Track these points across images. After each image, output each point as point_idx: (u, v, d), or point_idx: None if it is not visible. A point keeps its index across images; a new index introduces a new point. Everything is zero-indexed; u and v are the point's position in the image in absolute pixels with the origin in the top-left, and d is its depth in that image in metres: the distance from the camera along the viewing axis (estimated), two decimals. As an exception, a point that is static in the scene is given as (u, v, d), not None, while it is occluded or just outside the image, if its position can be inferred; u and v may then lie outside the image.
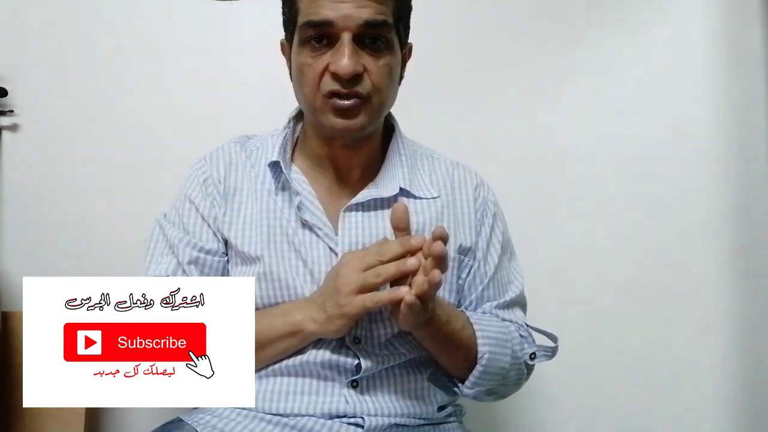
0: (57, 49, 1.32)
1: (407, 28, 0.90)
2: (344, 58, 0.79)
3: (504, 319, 0.91)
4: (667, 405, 1.32)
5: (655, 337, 1.33)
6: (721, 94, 1.35)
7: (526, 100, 1.36)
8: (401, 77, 0.91)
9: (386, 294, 0.75)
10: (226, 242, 0.88)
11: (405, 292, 0.73)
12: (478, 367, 0.84)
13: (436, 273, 0.71)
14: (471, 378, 0.85)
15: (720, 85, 1.35)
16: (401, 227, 0.77)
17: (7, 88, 1.28)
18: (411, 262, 0.74)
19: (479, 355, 0.84)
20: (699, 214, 1.34)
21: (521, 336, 0.90)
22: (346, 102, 0.81)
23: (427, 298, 0.74)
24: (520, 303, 0.96)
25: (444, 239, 0.72)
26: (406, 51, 0.91)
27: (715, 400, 1.32)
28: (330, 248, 0.85)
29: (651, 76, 1.35)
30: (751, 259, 1.34)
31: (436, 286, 0.72)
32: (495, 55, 1.36)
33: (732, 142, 1.35)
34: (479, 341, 0.84)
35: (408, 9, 0.89)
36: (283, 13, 0.88)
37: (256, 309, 0.81)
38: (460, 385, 0.87)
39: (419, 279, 0.74)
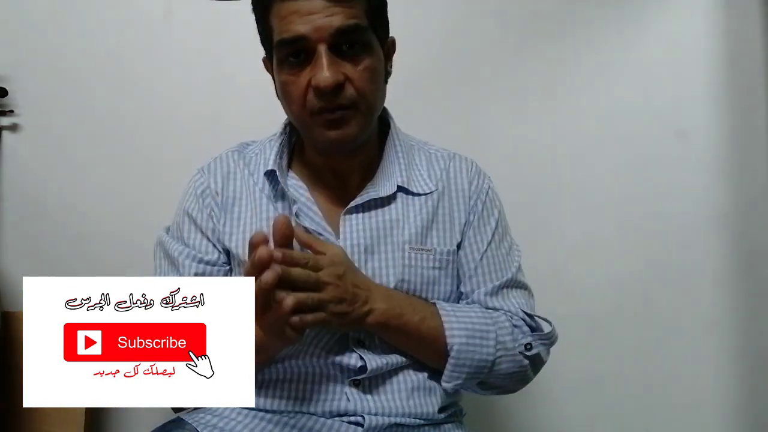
0: (57, 49, 1.32)
1: (385, 23, 0.88)
2: (323, 71, 0.78)
3: (495, 308, 0.89)
4: (667, 405, 1.32)
5: (655, 336, 1.33)
6: (721, 94, 1.35)
7: (525, 99, 1.36)
8: (388, 74, 0.90)
9: (272, 313, 0.71)
10: (228, 252, 0.88)
11: (288, 302, 0.69)
12: (450, 360, 0.83)
13: (262, 276, 0.68)
14: (446, 372, 0.84)
15: (720, 85, 1.35)
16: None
17: (7, 88, 1.28)
18: (264, 278, 0.68)
19: (449, 347, 0.83)
20: (699, 214, 1.34)
21: (514, 326, 0.87)
22: (335, 114, 0.81)
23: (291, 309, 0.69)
24: (516, 287, 0.92)
25: (261, 243, 0.69)
26: (389, 46, 0.90)
27: (715, 400, 1.32)
28: None
29: (651, 76, 1.35)
30: (751, 259, 1.34)
31: (262, 290, 0.69)
32: (494, 54, 1.36)
33: (732, 142, 1.34)
34: (446, 332, 0.83)
35: (382, 4, 0.87)
36: (259, 33, 0.88)
37: None
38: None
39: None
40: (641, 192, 1.34)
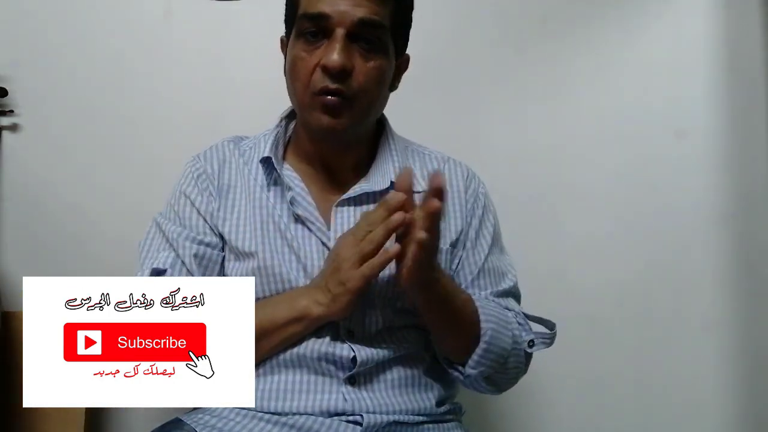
0: (57, 49, 1.31)
1: (405, 39, 0.90)
2: (334, 53, 0.80)
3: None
4: (667, 405, 1.32)
5: (655, 336, 1.33)
6: (721, 94, 1.35)
7: (525, 99, 1.36)
8: (394, 87, 0.91)
9: (378, 257, 0.76)
10: (222, 237, 0.89)
11: (395, 249, 0.74)
12: (482, 345, 0.83)
13: (394, 216, 0.73)
14: (474, 357, 0.84)
15: (720, 85, 1.35)
16: (403, 189, 0.76)
17: (7, 88, 1.28)
18: (395, 217, 0.74)
19: (482, 332, 0.83)
20: (699, 214, 1.34)
21: (519, 323, 0.90)
22: (333, 99, 0.82)
23: (428, 246, 0.74)
24: (514, 294, 0.95)
25: (440, 187, 0.73)
26: (402, 61, 0.91)
27: (715, 400, 1.32)
28: (323, 242, 0.86)
29: (651, 76, 1.35)
30: (751, 259, 1.34)
31: (388, 230, 0.74)
32: (495, 55, 1.36)
33: (732, 142, 1.35)
34: (481, 317, 0.84)
35: (407, 20, 0.89)
36: (286, 9, 0.90)
37: None
38: (460, 368, 0.86)
39: (417, 235, 0.74)
40: (641, 192, 1.34)
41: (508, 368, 0.88)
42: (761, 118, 1.34)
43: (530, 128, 1.35)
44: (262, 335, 0.79)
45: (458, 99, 1.35)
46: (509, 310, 0.91)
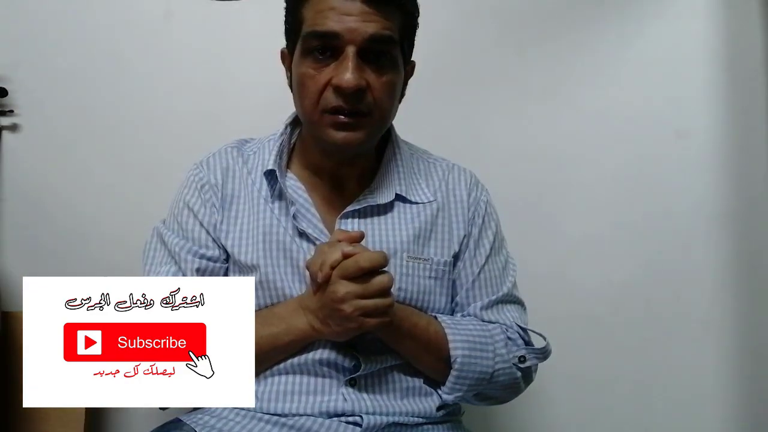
0: (57, 49, 1.31)
1: (411, 45, 0.89)
2: (348, 72, 0.78)
3: (490, 321, 0.90)
4: (667, 405, 1.32)
5: (655, 337, 1.33)
6: (721, 94, 1.35)
7: (525, 99, 1.35)
8: (402, 95, 0.90)
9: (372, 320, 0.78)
10: (224, 249, 0.88)
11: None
12: (453, 372, 0.84)
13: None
14: (447, 383, 0.85)
15: (720, 85, 1.35)
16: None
17: (7, 88, 1.28)
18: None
19: (452, 359, 0.84)
20: (699, 215, 1.34)
21: (509, 338, 0.88)
22: (347, 118, 0.80)
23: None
24: (510, 302, 0.94)
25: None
26: (409, 69, 0.90)
27: (715, 400, 1.32)
28: None
29: (651, 76, 1.35)
30: (750, 260, 1.34)
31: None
32: (495, 55, 1.36)
33: (732, 142, 1.34)
34: (451, 344, 0.84)
35: (413, 27, 0.88)
36: (286, 22, 0.87)
37: None
38: (440, 390, 0.87)
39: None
40: (641, 192, 1.34)
41: (499, 386, 0.87)
42: (761, 118, 1.34)
43: (530, 128, 1.35)
44: (261, 357, 0.79)
45: (458, 99, 1.34)
46: (500, 323, 0.90)
